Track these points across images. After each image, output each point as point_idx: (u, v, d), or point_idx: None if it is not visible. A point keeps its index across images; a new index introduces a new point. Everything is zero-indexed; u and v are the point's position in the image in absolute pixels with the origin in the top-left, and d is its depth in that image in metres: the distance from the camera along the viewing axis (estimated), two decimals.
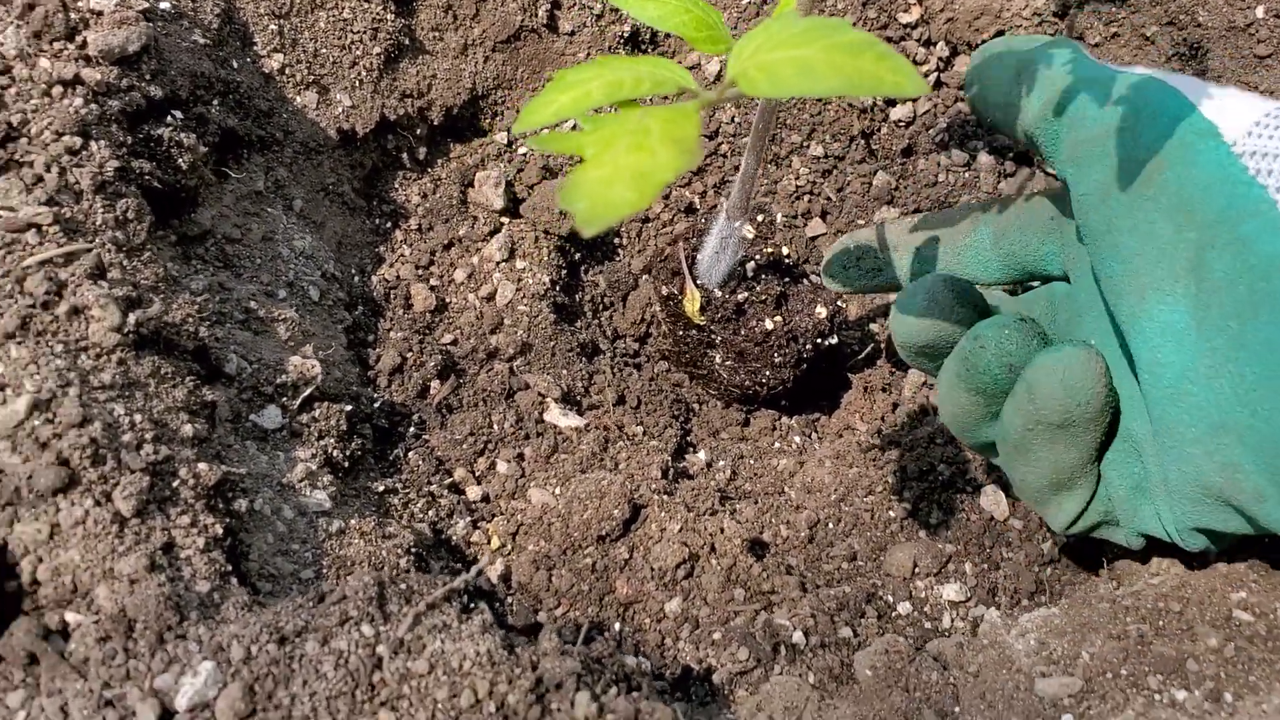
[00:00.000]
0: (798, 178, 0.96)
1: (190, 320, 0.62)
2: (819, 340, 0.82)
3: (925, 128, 0.96)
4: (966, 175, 0.96)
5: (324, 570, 0.58)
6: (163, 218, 0.68)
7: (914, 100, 0.96)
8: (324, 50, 0.85)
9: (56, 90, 0.63)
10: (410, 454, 0.73)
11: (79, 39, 0.66)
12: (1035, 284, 0.71)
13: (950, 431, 0.68)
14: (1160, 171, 0.52)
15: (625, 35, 0.95)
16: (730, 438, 0.86)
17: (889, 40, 0.96)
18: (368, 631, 0.47)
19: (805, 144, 0.96)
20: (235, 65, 0.79)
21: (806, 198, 0.96)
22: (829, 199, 0.96)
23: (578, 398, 0.82)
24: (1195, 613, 0.58)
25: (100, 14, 0.68)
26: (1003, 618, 0.66)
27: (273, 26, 0.82)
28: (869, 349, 0.91)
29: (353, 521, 0.61)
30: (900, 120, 0.96)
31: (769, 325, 0.80)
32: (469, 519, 0.71)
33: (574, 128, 0.84)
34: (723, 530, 0.69)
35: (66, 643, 0.46)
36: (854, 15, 0.95)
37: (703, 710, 0.60)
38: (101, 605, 0.46)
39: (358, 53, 0.86)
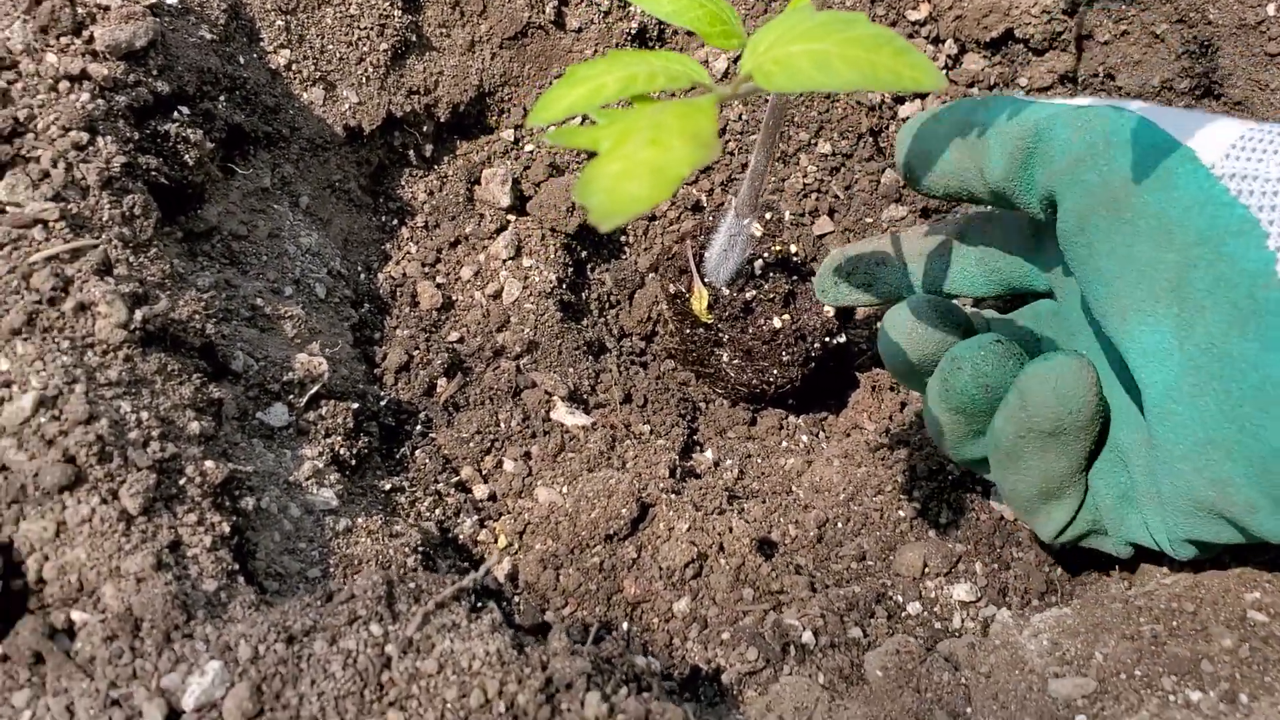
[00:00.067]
0: (805, 175, 0.95)
1: (197, 317, 0.61)
2: (827, 339, 0.82)
3: None
4: None
5: (331, 569, 0.57)
6: (169, 214, 0.68)
7: (922, 98, 0.96)
8: (331, 46, 0.84)
9: (63, 85, 0.63)
10: (417, 452, 0.72)
11: (86, 34, 0.66)
12: (1026, 296, 0.71)
13: (939, 449, 0.68)
14: (1138, 195, 0.53)
15: (632, 32, 0.95)
16: (737, 437, 0.85)
17: None
18: (376, 631, 0.47)
19: (813, 141, 0.95)
20: (242, 61, 0.79)
21: (814, 195, 0.96)
22: (837, 197, 0.96)
23: (584, 396, 0.82)
24: (1209, 613, 0.58)
25: (107, 9, 0.68)
26: (1014, 618, 0.66)
27: (279, 22, 0.82)
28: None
29: (360, 520, 0.61)
30: (908, 117, 0.95)
31: (777, 324, 0.79)
32: (476, 518, 0.70)
33: (583, 123, 0.84)
34: (731, 529, 0.69)
35: (72, 642, 0.45)
36: (863, 12, 0.94)
37: (712, 710, 0.59)
38: (108, 604, 0.46)
39: (364, 49, 0.85)
